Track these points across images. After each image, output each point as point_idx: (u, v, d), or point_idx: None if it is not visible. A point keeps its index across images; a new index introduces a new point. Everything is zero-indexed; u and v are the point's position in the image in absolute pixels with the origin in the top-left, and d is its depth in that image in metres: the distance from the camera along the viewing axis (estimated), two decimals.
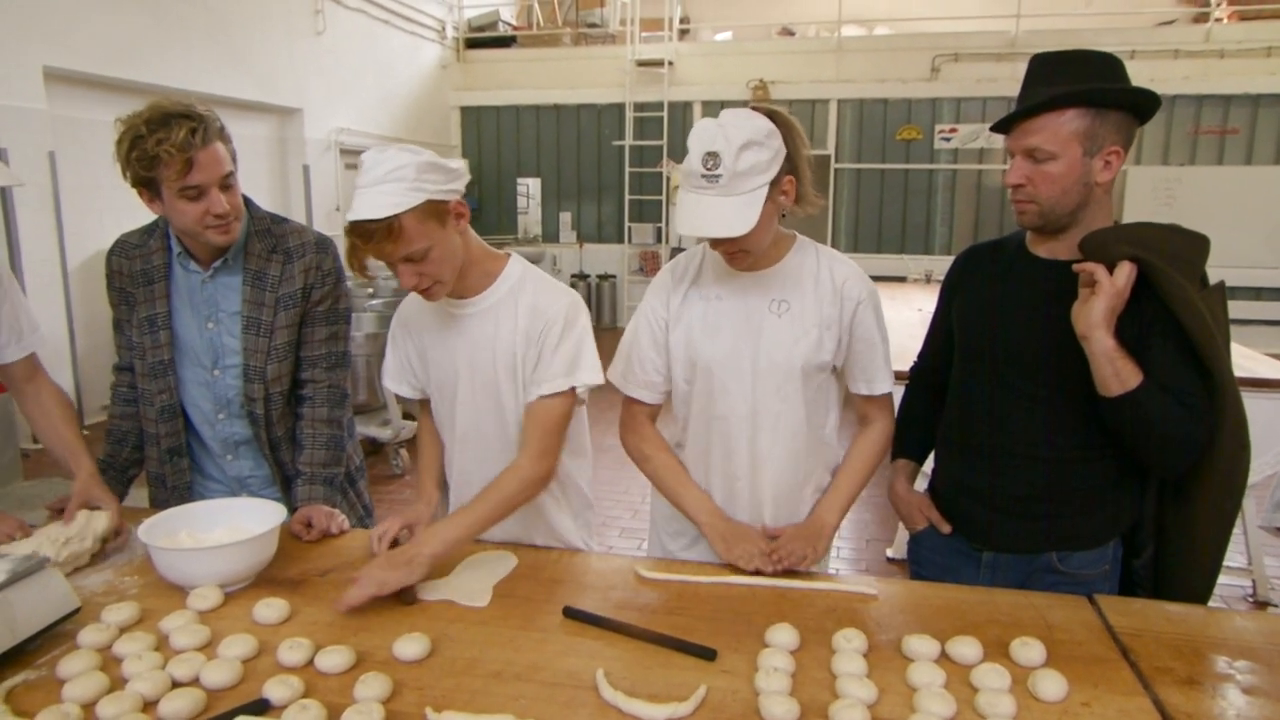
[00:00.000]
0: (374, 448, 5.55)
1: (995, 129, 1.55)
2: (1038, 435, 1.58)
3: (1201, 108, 9.06)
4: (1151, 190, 8.88)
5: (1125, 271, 1.41)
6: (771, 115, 1.54)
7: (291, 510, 1.85)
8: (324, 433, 1.91)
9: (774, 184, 1.52)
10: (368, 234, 1.45)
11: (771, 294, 1.65)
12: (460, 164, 1.56)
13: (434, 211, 1.49)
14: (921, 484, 1.86)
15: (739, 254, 1.59)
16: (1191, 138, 9.12)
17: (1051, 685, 1.20)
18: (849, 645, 1.31)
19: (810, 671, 1.27)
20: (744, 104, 8.18)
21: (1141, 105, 1.45)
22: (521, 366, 1.67)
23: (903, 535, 3.75)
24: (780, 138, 1.52)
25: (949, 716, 1.15)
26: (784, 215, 1.62)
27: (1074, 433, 1.56)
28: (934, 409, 1.80)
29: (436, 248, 1.51)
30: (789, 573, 1.57)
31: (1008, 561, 1.65)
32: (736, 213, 1.49)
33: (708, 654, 1.31)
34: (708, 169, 1.47)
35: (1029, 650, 1.29)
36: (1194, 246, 1.48)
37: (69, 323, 5.85)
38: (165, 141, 1.60)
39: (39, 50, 5.49)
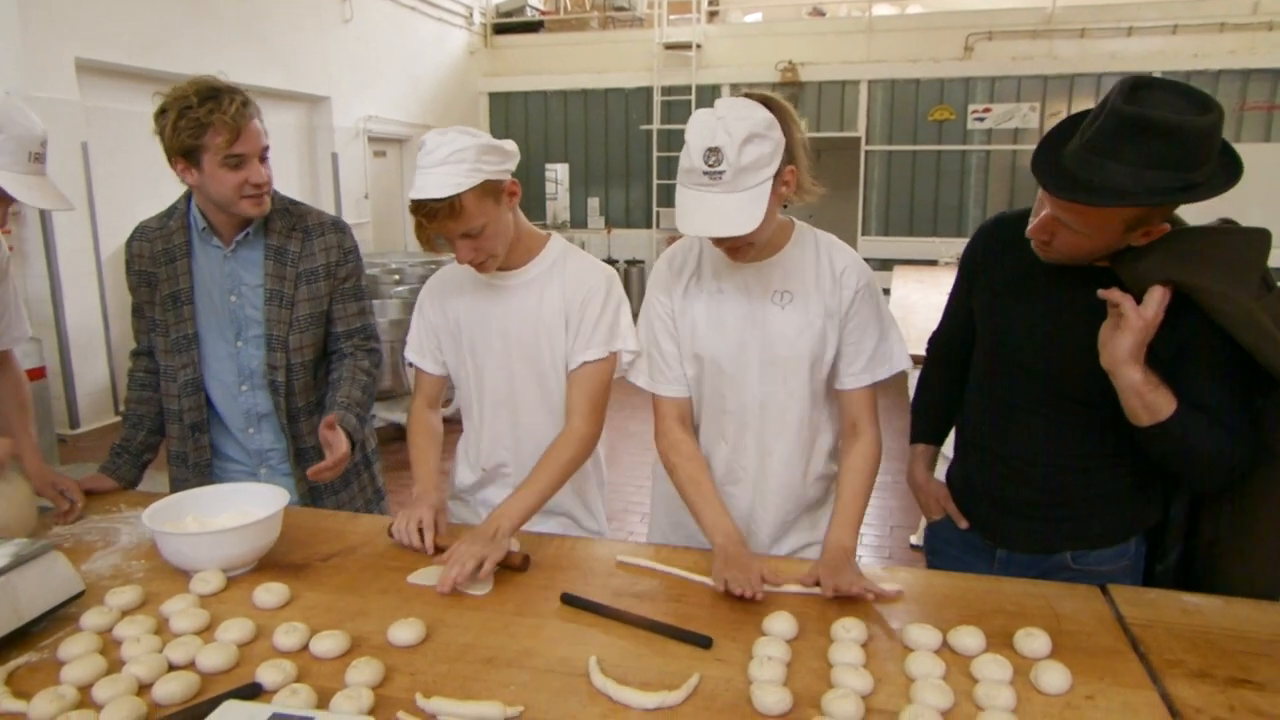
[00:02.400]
0: (399, 433, 5.60)
1: (1037, 177, 1.32)
2: (1055, 445, 1.53)
3: (1248, 82, 8.76)
4: None
5: (1156, 299, 1.29)
6: (766, 102, 1.49)
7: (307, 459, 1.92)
8: (363, 378, 1.97)
9: (776, 175, 1.46)
10: (431, 212, 1.53)
11: (774, 285, 1.62)
12: (512, 145, 1.64)
13: (491, 190, 1.58)
14: (943, 466, 1.82)
15: (742, 248, 1.54)
16: (1237, 114, 8.82)
17: (1054, 677, 1.17)
18: (847, 635, 1.29)
19: (806, 661, 1.25)
20: (771, 87, 8.05)
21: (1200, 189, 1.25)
22: (566, 333, 1.74)
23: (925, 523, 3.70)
24: (779, 127, 1.46)
25: (945, 708, 1.12)
26: (785, 205, 1.57)
27: (1093, 443, 1.50)
28: (952, 389, 1.75)
29: (492, 224, 1.60)
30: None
31: (1022, 559, 1.61)
32: (741, 210, 1.43)
33: (704, 642, 1.29)
34: (710, 165, 1.40)
35: (1033, 641, 1.26)
36: (1252, 246, 1.33)
37: (103, 311, 5.96)
38: (216, 111, 1.70)
39: (71, 42, 5.57)
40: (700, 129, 1.42)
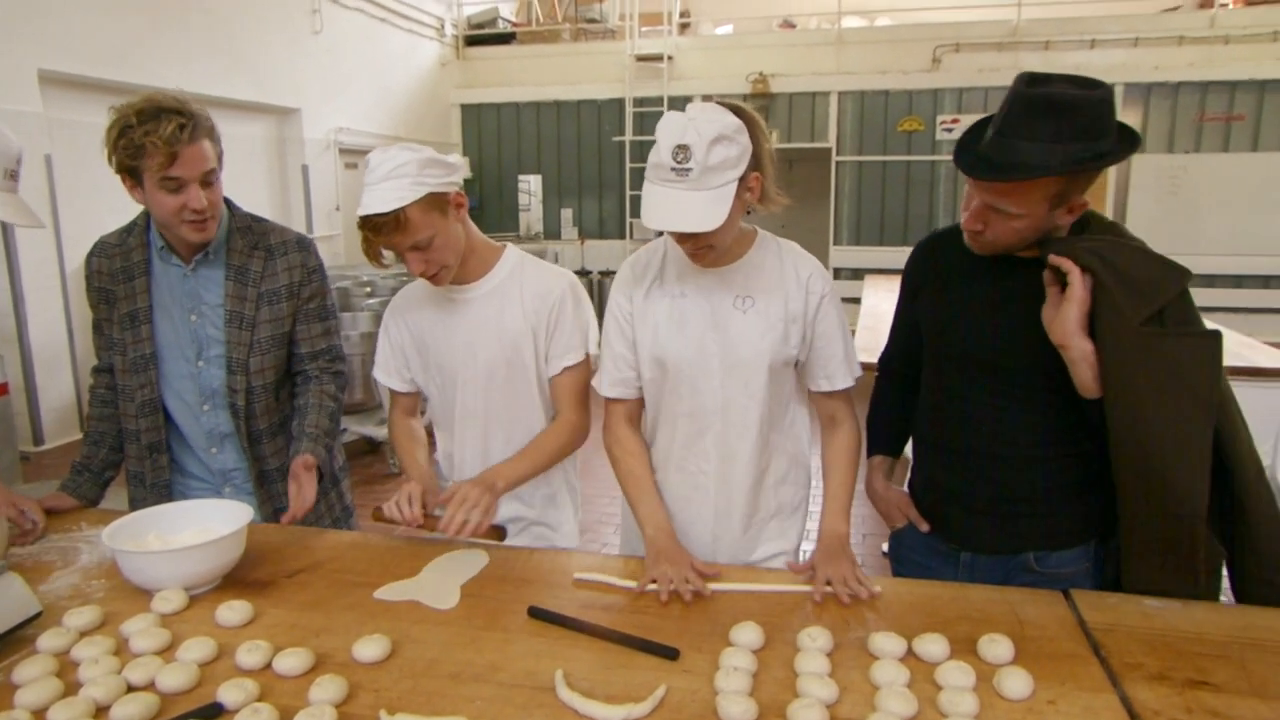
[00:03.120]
0: (370, 447, 5.56)
1: (961, 169, 1.43)
2: (1008, 434, 1.56)
3: (1206, 94, 8.95)
4: (1156, 179, 8.79)
5: (1078, 280, 1.36)
6: (736, 111, 1.51)
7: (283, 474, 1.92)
8: (329, 404, 1.96)
9: (741, 180, 1.49)
10: (377, 226, 1.58)
11: (735, 290, 1.64)
12: (457, 158, 1.69)
13: (436, 203, 1.62)
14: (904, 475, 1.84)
15: (704, 250, 1.56)
16: (1196, 125, 9.01)
17: (1016, 683, 1.18)
18: (813, 644, 1.29)
19: (773, 670, 1.25)
20: (743, 98, 8.10)
21: (1109, 156, 1.36)
22: (533, 343, 1.78)
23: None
24: (747, 134, 1.49)
25: (910, 715, 1.13)
26: (748, 212, 1.60)
27: (1043, 430, 1.54)
28: (904, 401, 1.79)
29: (440, 236, 1.64)
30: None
31: (986, 562, 1.64)
32: (706, 208, 1.46)
33: (670, 653, 1.29)
34: (678, 162, 1.44)
35: (996, 647, 1.27)
36: (1168, 276, 1.39)
37: (68, 324, 5.86)
38: (152, 133, 1.65)
39: (34, 53, 5.50)
40: (671, 127, 1.45)
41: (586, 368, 1.83)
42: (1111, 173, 9.21)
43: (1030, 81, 1.36)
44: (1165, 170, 8.82)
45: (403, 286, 1.79)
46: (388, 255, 1.66)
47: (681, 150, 1.43)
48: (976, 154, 1.41)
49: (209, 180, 1.76)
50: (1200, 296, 1.45)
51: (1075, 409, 1.46)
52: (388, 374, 1.90)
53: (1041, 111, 1.32)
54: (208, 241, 1.84)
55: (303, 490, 1.77)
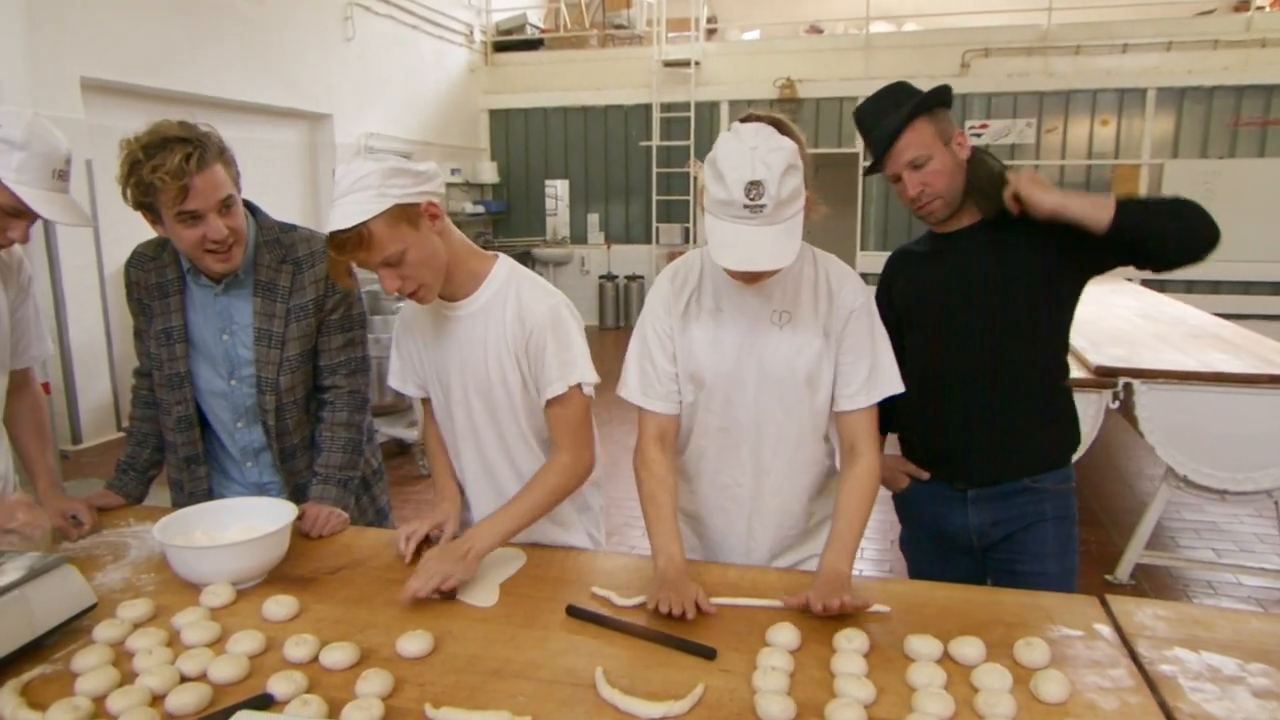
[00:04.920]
0: (400, 449, 5.62)
1: (870, 169, 1.81)
2: (1001, 375, 1.80)
3: (1242, 99, 8.85)
4: (1190, 183, 8.66)
5: (1012, 175, 1.69)
6: (779, 126, 1.50)
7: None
8: (342, 436, 1.93)
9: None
10: (341, 244, 1.49)
11: (773, 304, 1.61)
12: (431, 166, 1.58)
13: (404, 215, 1.51)
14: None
15: (764, 275, 1.54)
16: (1231, 130, 8.91)
17: (1053, 686, 1.19)
18: (849, 645, 1.30)
19: (809, 671, 1.27)
20: (770, 104, 8.05)
21: (945, 98, 1.76)
22: (516, 368, 1.69)
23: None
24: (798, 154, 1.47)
25: (947, 716, 1.14)
26: None
27: (1027, 365, 1.80)
28: None
29: (412, 250, 1.53)
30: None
31: (989, 494, 1.85)
32: (781, 242, 1.44)
33: (708, 653, 1.31)
34: (751, 199, 1.39)
35: (1032, 651, 1.28)
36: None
37: (106, 328, 5.99)
38: (160, 169, 1.61)
39: (76, 61, 5.63)
40: (736, 161, 1.41)
41: (577, 400, 1.68)
42: (1144, 178, 9.13)
43: (858, 108, 1.83)
44: (1199, 175, 8.71)
45: None
46: (365, 272, 1.56)
47: (755, 187, 1.39)
48: (872, 151, 1.79)
49: (227, 206, 1.72)
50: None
51: (1053, 345, 1.83)
52: (403, 381, 1.86)
53: (879, 99, 1.78)
54: (231, 271, 1.82)
55: (317, 526, 1.80)
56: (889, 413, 1.71)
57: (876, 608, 1.44)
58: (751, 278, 1.54)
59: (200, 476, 1.97)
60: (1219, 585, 3.74)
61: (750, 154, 1.40)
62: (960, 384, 1.82)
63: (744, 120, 1.54)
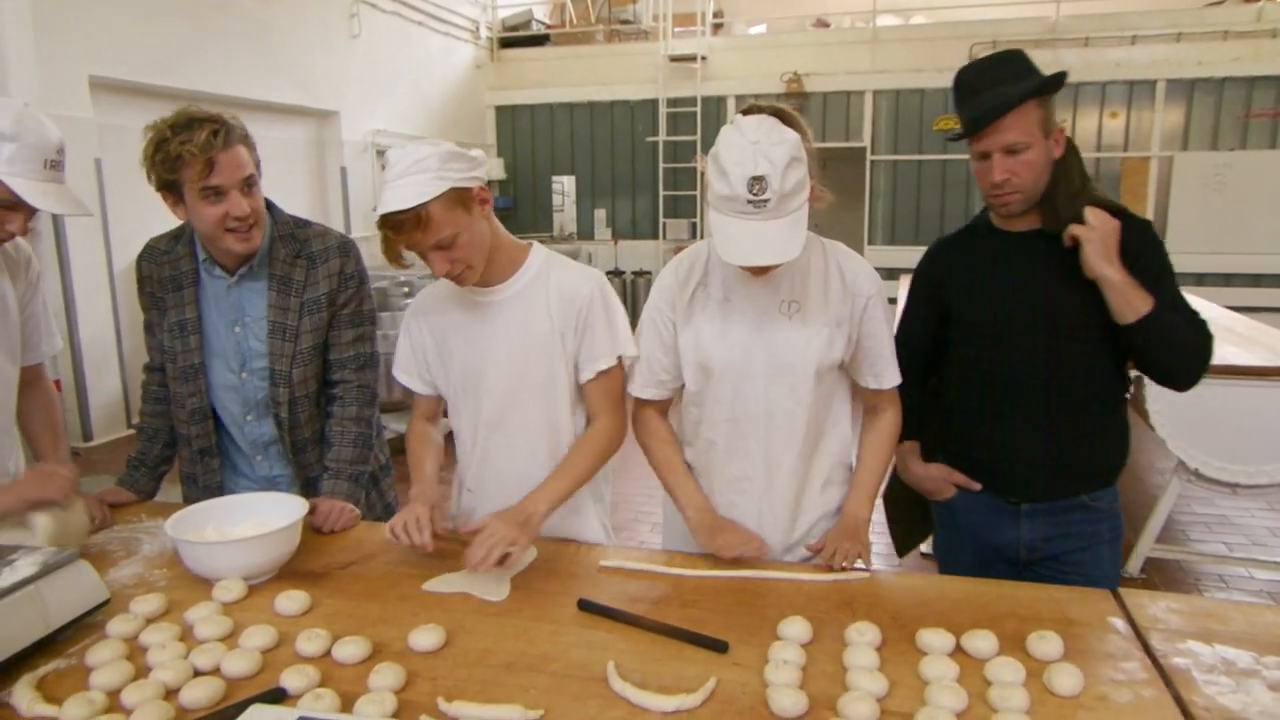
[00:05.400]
0: None
1: (966, 133, 1.64)
2: (1058, 388, 1.71)
3: (1253, 90, 8.78)
4: (1200, 176, 8.64)
5: (1091, 213, 1.58)
6: (782, 116, 1.50)
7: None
8: (352, 430, 1.94)
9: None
10: (398, 225, 1.50)
11: (781, 294, 1.62)
12: (480, 153, 1.61)
13: (459, 199, 1.54)
14: None
15: (769, 267, 1.55)
16: (1242, 121, 8.83)
17: (1067, 679, 1.18)
18: (861, 639, 1.30)
19: (821, 664, 1.27)
20: (777, 97, 8.03)
21: (1061, 84, 1.62)
22: (562, 348, 1.71)
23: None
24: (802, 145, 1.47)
25: (959, 710, 1.14)
26: None
27: (1086, 379, 1.71)
28: (920, 392, 1.86)
29: (464, 233, 1.57)
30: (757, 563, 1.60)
31: (1045, 509, 1.76)
32: (786, 236, 1.45)
33: (720, 646, 1.31)
34: (754, 194, 1.40)
35: (1046, 644, 1.27)
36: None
37: (116, 325, 6.01)
38: (188, 143, 1.66)
39: (85, 61, 5.65)
40: (738, 157, 1.41)
41: (620, 371, 1.75)
42: (1153, 170, 9.07)
43: (975, 60, 1.70)
44: (1209, 168, 8.66)
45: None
46: (409, 255, 1.59)
47: (757, 181, 1.40)
48: (970, 119, 1.63)
49: (249, 186, 1.76)
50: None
51: (1115, 358, 1.71)
52: (408, 374, 1.84)
53: (994, 65, 1.64)
54: (253, 252, 1.83)
55: (329, 521, 1.80)
56: (917, 416, 1.78)
57: (859, 565, 1.55)
58: (759, 270, 1.56)
59: (214, 469, 1.98)
60: (1230, 579, 3.72)
61: (752, 148, 1.40)
62: (1020, 395, 1.73)
63: (746, 112, 1.53)
